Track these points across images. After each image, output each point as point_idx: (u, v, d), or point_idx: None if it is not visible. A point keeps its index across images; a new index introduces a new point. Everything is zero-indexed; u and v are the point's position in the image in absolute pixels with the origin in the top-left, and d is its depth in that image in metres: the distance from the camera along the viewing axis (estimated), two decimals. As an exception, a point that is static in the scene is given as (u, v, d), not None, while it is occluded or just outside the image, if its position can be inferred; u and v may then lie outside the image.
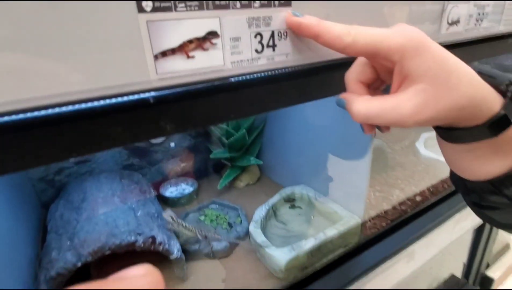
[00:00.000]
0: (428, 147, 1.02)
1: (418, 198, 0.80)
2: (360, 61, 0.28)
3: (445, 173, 0.89)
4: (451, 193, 0.83)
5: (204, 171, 0.99)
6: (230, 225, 0.75)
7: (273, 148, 0.90)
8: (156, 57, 0.25)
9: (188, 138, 0.93)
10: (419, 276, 0.88)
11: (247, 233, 0.72)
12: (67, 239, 0.54)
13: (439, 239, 0.79)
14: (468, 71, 0.23)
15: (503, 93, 0.24)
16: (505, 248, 1.35)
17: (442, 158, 0.30)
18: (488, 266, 1.25)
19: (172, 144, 0.90)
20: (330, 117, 0.69)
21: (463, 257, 1.11)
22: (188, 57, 0.27)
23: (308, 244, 0.61)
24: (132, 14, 0.23)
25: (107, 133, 0.26)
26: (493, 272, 1.25)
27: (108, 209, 0.60)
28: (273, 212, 0.74)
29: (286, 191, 0.78)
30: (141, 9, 0.23)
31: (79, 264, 0.49)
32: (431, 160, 0.98)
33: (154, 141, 0.85)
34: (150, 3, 0.24)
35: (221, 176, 0.90)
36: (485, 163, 0.26)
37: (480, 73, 0.24)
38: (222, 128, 0.86)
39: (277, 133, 0.88)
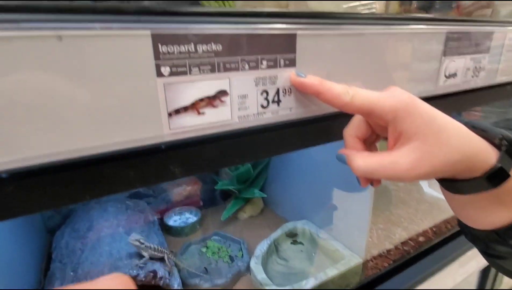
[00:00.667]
0: (432, 185, 1.03)
1: (421, 239, 0.80)
2: (357, 118, 0.31)
3: (448, 212, 0.89)
4: (455, 233, 0.83)
5: (210, 200, 1.01)
6: (231, 258, 0.76)
7: (277, 182, 0.92)
8: (170, 114, 0.28)
9: (194, 168, 0.95)
10: None
11: (248, 268, 0.72)
12: (70, 270, 0.55)
13: (443, 282, 0.77)
14: (457, 127, 0.25)
15: (497, 147, 0.25)
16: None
17: (445, 198, 0.32)
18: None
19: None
20: (332, 156, 0.70)
21: None
22: (199, 113, 0.29)
23: (308, 284, 0.60)
24: (151, 78, 0.26)
25: (120, 176, 0.28)
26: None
27: (113, 240, 0.61)
28: (275, 247, 0.75)
29: (288, 226, 0.79)
30: (160, 74, 0.26)
31: (81, 297, 0.50)
32: (435, 199, 0.97)
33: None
34: (168, 69, 0.26)
35: (226, 205, 0.91)
36: (488, 213, 0.27)
37: (473, 128, 0.26)
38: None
39: (281, 168, 0.89)
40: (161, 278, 0.56)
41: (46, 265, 0.65)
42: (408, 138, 0.25)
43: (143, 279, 0.54)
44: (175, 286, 0.58)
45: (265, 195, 0.88)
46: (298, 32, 0.32)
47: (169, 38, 0.26)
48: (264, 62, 0.31)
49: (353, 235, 0.69)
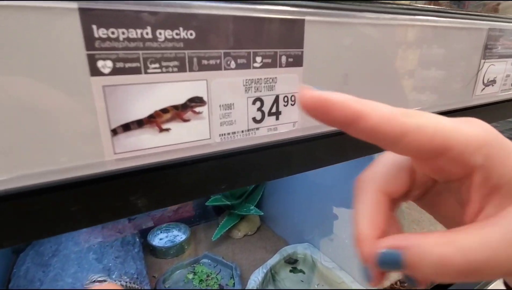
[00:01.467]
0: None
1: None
2: (391, 162, 0.18)
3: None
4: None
5: (201, 215, 0.91)
6: (221, 287, 0.66)
7: (275, 197, 0.83)
8: (114, 132, 0.18)
9: (184, 180, 0.86)
10: None
11: (240, 300, 0.62)
12: (24, 307, 0.46)
13: None
14: None
15: None
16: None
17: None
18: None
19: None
20: (339, 169, 0.61)
21: None
22: (161, 130, 0.20)
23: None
24: (82, 77, 0.17)
25: (58, 214, 0.20)
26: None
27: (79, 269, 0.52)
28: (272, 276, 0.65)
29: (287, 251, 0.69)
30: (95, 72, 0.17)
31: None
32: (450, 219, 0.88)
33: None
34: (109, 64, 0.17)
35: (219, 221, 0.82)
36: None
37: None
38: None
39: (280, 182, 0.80)
40: (133, 320, 0.46)
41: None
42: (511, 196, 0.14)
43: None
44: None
45: (262, 213, 0.78)
46: (307, 17, 0.23)
47: (109, 17, 0.17)
48: (258, 59, 0.22)
49: (360, 264, 0.60)
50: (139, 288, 0.52)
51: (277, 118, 0.24)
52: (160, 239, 0.80)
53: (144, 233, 0.79)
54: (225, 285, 0.66)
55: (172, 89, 0.20)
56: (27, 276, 0.53)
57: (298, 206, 0.75)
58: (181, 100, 0.20)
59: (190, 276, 0.69)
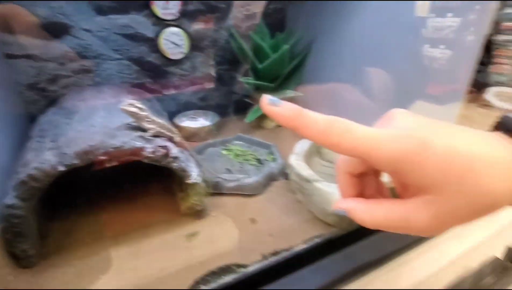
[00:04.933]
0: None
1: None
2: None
3: None
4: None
5: (225, 108, 0.84)
6: (259, 161, 0.60)
7: (319, 81, 0.73)
8: None
9: (211, 64, 0.77)
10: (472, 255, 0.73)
11: (282, 173, 0.57)
12: (50, 141, 0.40)
13: (495, 218, 0.63)
14: (489, 158, 0.19)
15: None
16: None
17: None
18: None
19: (192, 66, 0.74)
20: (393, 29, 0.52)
21: (510, 241, 0.96)
22: None
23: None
24: None
25: None
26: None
27: (108, 114, 0.45)
28: (317, 149, 0.59)
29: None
30: None
31: (61, 168, 0.35)
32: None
33: (173, 56, 0.69)
34: None
35: (246, 115, 0.74)
36: None
37: (509, 131, 0.21)
38: (258, 46, 0.69)
39: (325, 62, 0.71)
40: (175, 158, 0.40)
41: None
42: (419, 191, 0.20)
43: (151, 155, 0.38)
44: (194, 177, 0.43)
45: (302, 94, 0.70)
46: None
47: None
48: None
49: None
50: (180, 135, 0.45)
51: None
52: (186, 125, 0.73)
53: (169, 117, 0.72)
54: (264, 160, 0.61)
55: None
56: (51, 122, 0.46)
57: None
58: None
59: (224, 152, 0.63)
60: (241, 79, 0.71)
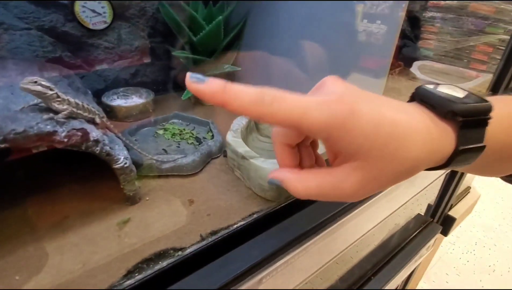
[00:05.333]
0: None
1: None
2: None
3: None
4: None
5: (161, 84, 0.78)
6: (198, 140, 0.58)
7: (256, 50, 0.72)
8: None
9: (142, 36, 0.70)
10: (396, 214, 0.82)
11: (221, 151, 0.55)
12: None
13: (418, 181, 0.71)
14: (408, 129, 0.20)
15: (452, 123, 0.22)
16: (466, 190, 1.39)
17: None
18: (451, 207, 1.27)
19: (119, 38, 0.66)
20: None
21: (430, 198, 1.10)
22: None
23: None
24: None
25: None
26: (455, 212, 1.28)
27: (12, 94, 0.39)
28: (255, 124, 0.58)
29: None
30: None
31: None
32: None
33: (93, 26, 0.61)
34: None
35: (183, 92, 0.70)
36: (497, 168, 0.27)
37: (423, 101, 0.23)
38: (192, 17, 0.64)
39: (261, 35, 0.69)
40: (96, 141, 0.36)
41: None
42: (347, 158, 0.21)
43: (65, 139, 0.34)
44: (121, 159, 0.40)
45: (239, 68, 0.68)
46: None
47: None
48: None
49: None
50: (101, 115, 0.41)
51: None
52: (117, 104, 0.67)
53: (95, 95, 0.65)
54: (203, 138, 0.59)
55: None
56: None
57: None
58: None
59: (160, 132, 0.59)
60: (174, 53, 0.67)
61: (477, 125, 0.22)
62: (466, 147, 0.21)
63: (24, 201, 0.43)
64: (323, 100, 0.19)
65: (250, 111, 0.19)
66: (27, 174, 0.46)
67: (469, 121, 0.21)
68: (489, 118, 0.21)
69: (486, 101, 0.22)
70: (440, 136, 0.21)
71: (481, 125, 0.22)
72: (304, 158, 0.26)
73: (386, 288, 0.73)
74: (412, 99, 0.24)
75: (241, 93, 0.19)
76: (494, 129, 0.22)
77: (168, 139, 0.57)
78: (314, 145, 0.27)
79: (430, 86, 0.23)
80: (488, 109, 0.21)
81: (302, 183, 0.22)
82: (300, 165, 0.26)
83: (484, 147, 0.22)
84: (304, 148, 0.26)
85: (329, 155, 0.25)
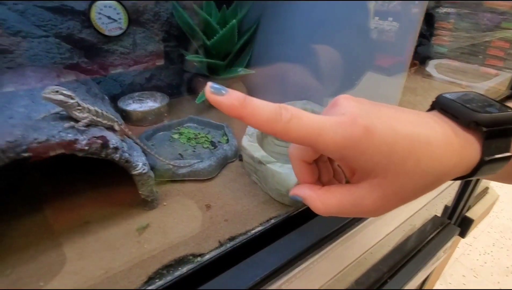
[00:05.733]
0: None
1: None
2: None
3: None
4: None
5: (175, 88, 0.79)
6: (213, 144, 0.58)
7: (267, 59, 0.71)
8: None
9: (156, 41, 0.71)
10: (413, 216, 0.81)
11: (236, 155, 0.55)
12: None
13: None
14: (427, 143, 0.20)
15: (476, 133, 0.21)
16: (485, 191, 1.36)
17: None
18: (469, 208, 1.24)
19: (134, 43, 0.67)
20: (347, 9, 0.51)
21: (446, 199, 1.07)
22: None
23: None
24: None
25: None
26: (473, 214, 1.25)
27: (33, 102, 0.40)
28: (270, 128, 0.58)
29: (285, 106, 0.62)
30: None
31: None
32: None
33: (109, 32, 0.62)
34: None
35: (197, 95, 0.70)
36: None
37: (444, 111, 0.23)
38: (206, 21, 0.64)
39: (274, 39, 0.68)
40: (116, 148, 0.37)
41: None
42: (365, 175, 0.21)
43: (86, 147, 0.34)
44: (139, 165, 0.40)
45: (252, 72, 0.68)
46: None
47: None
48: None
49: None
50: (120, 122, 0.41)
51: None
52: (132, 109, 0.68)
53: (112, 100, 0.66)
54: (218, 142, 0.59)
55: None
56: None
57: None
58: None
59: (176, 136, 0.60)
60: (188, 57, 0.67)
61: (502, 135, 0.21)
62: (492, 157, 0.21)
63: (44, 207, 0.44)
64: (337, 121, 0.20)
65: (267, 128, 0.19)
66: (46, 180, 0.47)
67: (493, 131, 0.21)
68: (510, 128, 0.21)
69: (510, 108, 0.22)
70: (464, 147, 0.21)
71: (506, 135, 0.21)
72: (323, 173, 0.26)
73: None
74: (433, 107, 0.24)
75: (259, 110, 0.19)
76: None
77: (184, 143, 0.57)
78: (332, 159, 0.27)
79: (451, 95, 0.23)
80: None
81: (323, 201, 0.22)
82: (319, 180, 0.26)
83: (510, 156, 0.21)
84: (322, 163, 0.26)
85: (346, 171, 0.25)
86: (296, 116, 0.19)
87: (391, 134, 0.19)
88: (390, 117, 0.20)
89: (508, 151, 0.21)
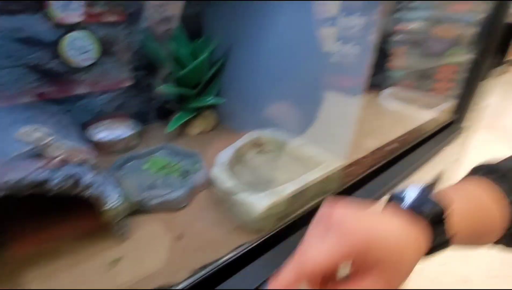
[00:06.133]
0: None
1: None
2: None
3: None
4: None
5: (146, 115, 0.80)
6: (184, 173, 0.60)
7: (235, 89, 0.75)
8: None
9: (127, 70, 0.72)
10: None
11: (208, 183, 0.57)
12: None
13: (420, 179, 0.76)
14: (400, 246, 0.24)
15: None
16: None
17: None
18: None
19: (103, 72, 0.68)
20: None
21: None
22: None
23: (288, 189, 0.49)
24: None
25: None
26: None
27: (2, 140, 0.40)
28: (239, 157, 0.61)
29: (252, 135, 0.65)
30: None
31: None
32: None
33: (79, 64, 0.62)
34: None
35: (168, 123, 0.72)
36: (480, 243, 0.30)
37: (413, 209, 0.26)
38: (176, 53, 0.67)
39: (241, 67, 0.73)
40: (88, 186, 0.38)
41: None
42: (367, 272, 0.24)
43: (57, 187, 0.35)
44: (111, 202, 0.41)
45: (224, 100, 0.71)
46: None
47: None
48: None
49: (333, 139, 0.60)
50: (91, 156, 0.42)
51: None
52: (103, 136, 0.68)
53: (82, 128, 0.66)
54: (189, 171, 0.60)
55: None
56: None
57: (262, 96, 0.70)
58: None
59: (146, 166, 0.61)
60: (161, 87, 0.69)
61: (439, 223, 0.26)
62: (436, 244, 0.26)
63: (10, 241, 0.43)
64: (338, 233, 0.23)
65: (294, 278, 0.23)
66: (13, 213, 0.46)
67: (434, 220, 0.26)
68: (445, 218, 0.26)
69: (440, 204, 0.26)
70: (424, 236, 0.25)
71: (442, 223, 0.26)
72: None
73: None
74: (391, 199, 0.28)
75: (285, 275, 0.23)
76: (456, 220, 0.26)
77: (155, 173, 0.59)
78: None
79: (401, 190, 0.28)
80: (443, 211, 0.26)
81: None
82: None
83: (448, 240, 0.26)
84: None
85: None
86: (309, 260, 0.23)
87: (386, 235, 0.24)
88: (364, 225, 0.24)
89: (446, 236, 0.26)
